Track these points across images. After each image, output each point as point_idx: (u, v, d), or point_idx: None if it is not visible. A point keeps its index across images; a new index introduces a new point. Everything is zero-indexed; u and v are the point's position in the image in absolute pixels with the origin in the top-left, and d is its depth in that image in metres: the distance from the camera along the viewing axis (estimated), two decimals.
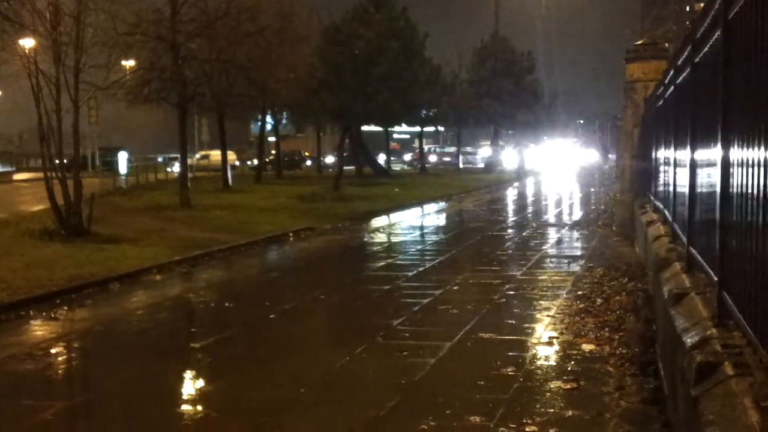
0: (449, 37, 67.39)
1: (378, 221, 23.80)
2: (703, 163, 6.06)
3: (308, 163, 69.47)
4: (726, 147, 4.62)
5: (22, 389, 7.35)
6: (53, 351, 8.89)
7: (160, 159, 52.77)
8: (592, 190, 37.84)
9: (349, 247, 17.89)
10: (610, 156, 65.62)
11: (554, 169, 60.96)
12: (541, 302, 10.62)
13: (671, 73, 9.12)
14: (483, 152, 77.21)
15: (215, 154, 52.86)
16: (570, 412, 6.24)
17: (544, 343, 8.39)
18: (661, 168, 11.02)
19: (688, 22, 29.47)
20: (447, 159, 77.21)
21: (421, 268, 14.00)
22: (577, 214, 24.84)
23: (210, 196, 28.07)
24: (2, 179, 44.05)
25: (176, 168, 44.61)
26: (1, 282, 11.50)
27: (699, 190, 6.33)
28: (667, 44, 18.90)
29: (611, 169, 43.93)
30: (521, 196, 36.60)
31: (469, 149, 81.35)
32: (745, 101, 4.05)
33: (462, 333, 8.86)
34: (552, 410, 6.31)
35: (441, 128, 71.86)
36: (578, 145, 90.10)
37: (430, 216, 26.92)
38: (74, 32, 16.33)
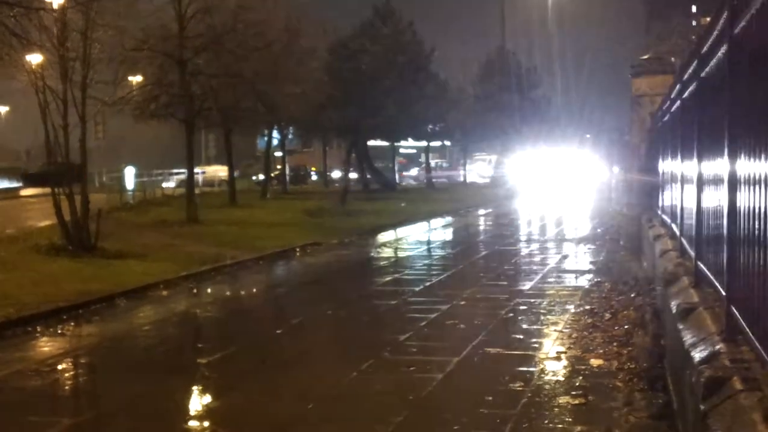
0: (455, 51, 67.53)
1: (385, 236, 23.80)
2: (709, 178, 6.05)
3: (314, 177, 69.18)
4: (732, 161, 4.61)
5: (29, 405, 7.35)
6: (60, 367, 8.90)
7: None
8: (598, 204, 37.78)
9: (356, 262, 17.89)
10: (614, 170, 65.39)
11: (560, 184, 60.92)
12: (549, 317, 10.59)
13: (677, 87, 9.12)
14: (476, 167, 76.30)
15: (211, 170, 53.14)
16: (578, 428, 6.21)
17: (552, 358, 8.36)
18: (668, 182, 11.00)
19: (693, 37, 29.53)
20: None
21: (427, 283, 13.98)
22: (584, 229, 24.78)
23: (216, 212, 28.08)
24: (10, 195, 44.19)
25: (171, 184, 44.85)
26: (8, 297, 11.52)
27: (706, 204, 6.31)
28: (673, 59, 18.91)
29: (617, 184, 43.86)
30: (528, 211, 36.54)
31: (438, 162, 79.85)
32: (752, 115, 4.05)
33: (469, 348, 8.83)
34: (560, 425, 6.29)
35: (447, 143, 71.86)
36: (584, 159, 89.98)
37: (437, 231, 26.90)
38: (82, 48, 16.43)
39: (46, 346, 9.89)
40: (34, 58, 17.07)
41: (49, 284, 12.67)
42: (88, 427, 6.99)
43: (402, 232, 25.30)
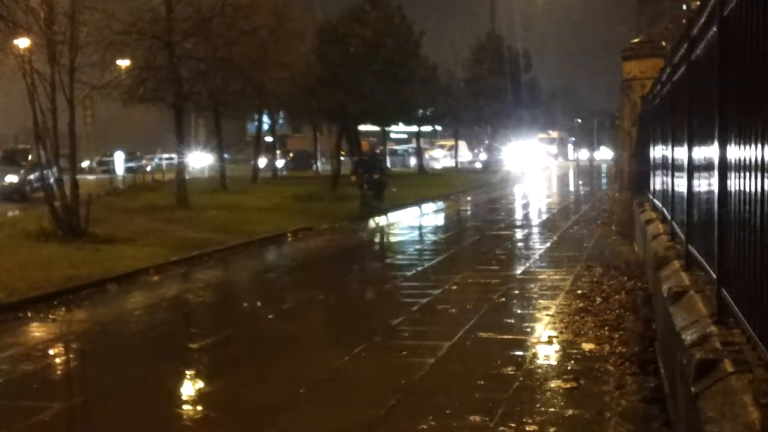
0: (446, 35, 67.33)
1: (376, 221, 23.76)
2: (700, 161, 6.05)
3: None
4: (723, 144, 4.61)
5: (21, 390, 7.32)
6: (51, 352, 8.88)
7: (156, 160, 52.85)
8: (590, 189, 37.88)
9: (347, 247, 17.87)
10: (605, 154, 65.41)
11: (549, 169, 61.01)
12: (541, 301, 10.61)
13: (668, 70, 9.12)
14: (435, 153, 74.65)
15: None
16: (570, 411, 6.23)
17: (544, 343, 8.38)
18: (659, 166, 11.02)
19: (684, 20, 29.49)
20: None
21: (419, 268, 13.99)
22: (576, 213, 24.83)
23: (207, 197, 28.02)
24: None
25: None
26: None
27: (697, 188, 6.32)
28: (663, 42, 18.89)
29: (608, 168, 43.97)
30: (518, 196, 36.60)
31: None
32: (741, 98, 4.04)
33: (461, 332, 8.85)
34: (552, 409, 6.30)
35: (438, 127, 71.75)
36: (574, 143, 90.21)
37: (428, 215, 26.91)
38: (69, 31, 16.28)
39: (37, 331, 9.86)
40: (22, 42, 16.93)
41: (40, 269, 12.62)
42: (80, 411, 6.99)
43: (393, 216, 25.25)
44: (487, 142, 70.49)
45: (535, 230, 20.11)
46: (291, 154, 59.49)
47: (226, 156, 41.69)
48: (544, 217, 24.33)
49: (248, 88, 30.95)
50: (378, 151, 31.28)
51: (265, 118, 48.36)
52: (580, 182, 43.76)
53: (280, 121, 56.44)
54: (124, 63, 26.50)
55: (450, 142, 78.51)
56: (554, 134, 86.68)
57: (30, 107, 16.16)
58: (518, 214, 25.69)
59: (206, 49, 26.29)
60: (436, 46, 56.80)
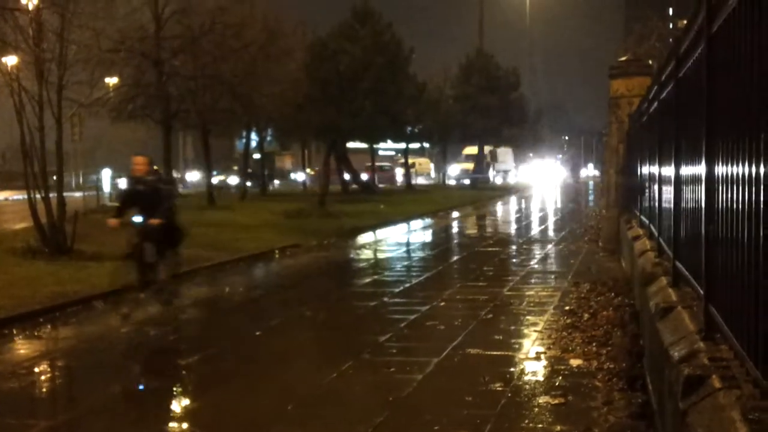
0: (434, 53, 67.64)
1: (364, 237, 23.77)
2: (688, 178, 6.08)
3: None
4: (710, 161, 4.63)
5: (6, 408, 7.26)
6: (37, 369, 8.81)
7: None
8: (577, 205, 37.99)
9: (336, 264, 17.84)
10: (581, 173, 65.36)
11: (539, 184, 61.20)
12: (529, 318, 10.61)
13: (655, 88, 9.17)
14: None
15: None
16: (558, 428, 6.22)
17: (532, 359, 8.38)
18: (647, 183, 11.06)
19: (671, 39, 29.69)
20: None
21: (407, 285, 13.97)
22: (563, 230, 24.88)
23: (195, 213, 27.88)
24: None
25: None
26: None
27: (684, 204, 6.34)
28: (650, 61, 19.04)
29: (595, 185, 44.13)
30: (506, 212, 36.66)
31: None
32: (729, 115, 4.07)
33: (449, 349, 8.83)
34: (540, 425, 6.29)
35: (426, 144, 71.92)
36: (563, 160, 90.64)
37: (416, 232, 26.90)
38: (57, 49, 16.26)
39: (22, 348, 9.79)
40: (9, 60, 16.88)
41: (25, 287, 12.55)
42: (66, 429, 6.92)
43: (381, 233, 25.28)
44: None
45: (522, 246, 20.12)
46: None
47: (215, 173, 41.64)
48: (532, 231, 24.36)
49: (237, 105, 30.96)
50: (165, 175, 16.86)
51: (254, 135, 48.33)
52: (568, 198, 43.89)
53: (268, 138, 56.40)
54: (112, 81, 26.49)
55: (419, 160, 78.84)
56: (474, 149, 67.32)
57: (17, 125, 16.09)
58: (502, 231, 25.69)
59: (195, 67, 26.34)
60: (426, 63, 57.06)
